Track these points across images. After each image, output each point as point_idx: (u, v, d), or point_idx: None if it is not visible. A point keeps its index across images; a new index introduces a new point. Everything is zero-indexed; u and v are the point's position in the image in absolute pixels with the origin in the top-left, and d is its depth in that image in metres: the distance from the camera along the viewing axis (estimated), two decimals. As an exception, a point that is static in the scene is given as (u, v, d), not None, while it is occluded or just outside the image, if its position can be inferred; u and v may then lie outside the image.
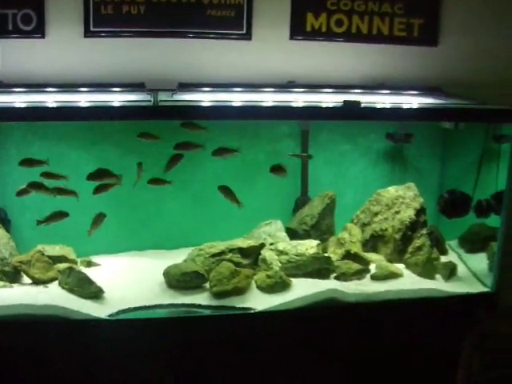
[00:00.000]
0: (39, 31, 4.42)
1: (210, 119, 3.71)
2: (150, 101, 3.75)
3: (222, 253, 4.11)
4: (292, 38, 4.70)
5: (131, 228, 4.49)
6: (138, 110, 3.62)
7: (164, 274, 4.04)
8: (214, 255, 4.10)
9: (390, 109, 3.89)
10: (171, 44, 4.47)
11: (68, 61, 4.43)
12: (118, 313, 3.79)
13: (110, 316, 3.74)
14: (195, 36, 4.54)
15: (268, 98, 4.11)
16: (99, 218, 3.98)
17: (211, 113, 3.69)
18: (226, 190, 3.99)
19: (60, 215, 3.92)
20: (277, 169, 4.00)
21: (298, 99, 4.22)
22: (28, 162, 3.89)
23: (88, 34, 4.45)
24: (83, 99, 3.83)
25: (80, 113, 3.61)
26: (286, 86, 4.48)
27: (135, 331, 3.79)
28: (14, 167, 4.03)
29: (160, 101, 3.72)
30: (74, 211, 3.97)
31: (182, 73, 4.41)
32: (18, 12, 4.40)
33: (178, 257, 4.29)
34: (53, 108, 3.63)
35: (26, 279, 4.06)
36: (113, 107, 3.63)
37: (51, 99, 3.84)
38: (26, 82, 4.31)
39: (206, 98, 3.98)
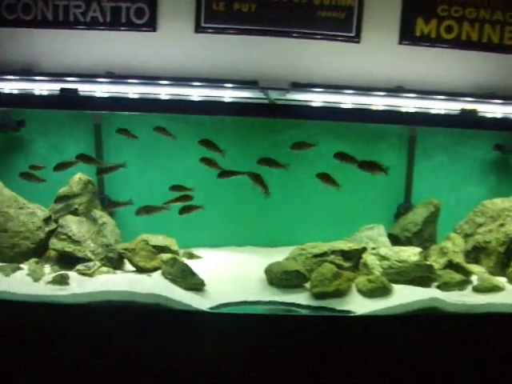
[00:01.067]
0: (151, 25, 4.51)
1: (325, 120, 3.70)
2: (265, 98, 3.74)
3: (324, 254, 4.08)
4: (401, 42, 4.64)
5: (232, 223, 4.50)
6: (256, 107, 3.61)
7: (266, 271, 4.03)
8: (315, 256, 4.07)
9: (508, 119, 3.80)
10: (281, 43, 4.47)
11: (178, 55, 4.49)
12: (219, 306, 3.78)
13: (210, 309, 3.74)
14: (303, 36, 4.54)
15: (379, 102, 4.06)
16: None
17: (327, 114, 3.67)
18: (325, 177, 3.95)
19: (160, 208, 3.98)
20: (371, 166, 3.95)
21: (409, 104, 4.16)
22: None
23: (199, 29, 4.50)
24: (196, 93, 3.86)
25: (196, 107, 3.61)
26: (395, 90, 4.42)
27: (234, 326, 3.78)
28: (121, 157, 4.11)
29: (275, 99, 3.71)
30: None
31: (291, 72, 4.38)
32: (132, 5, 4.48)
33: (277, 255, 4.28)
34: (166, 101, 3.65)
35: (128, 266, 4.11)
36: (230, 103, 3.63)
37: (164, 92, 3.89)
38: (137, 74, 4.37)
39: (318, 99, 3.95)
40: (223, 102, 3.59)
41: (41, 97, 3.61)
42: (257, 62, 4.42)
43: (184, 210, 3.98)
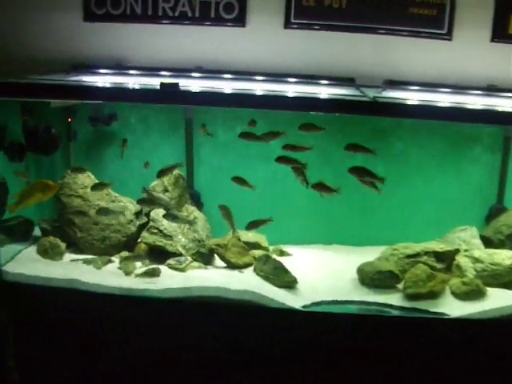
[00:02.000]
0: (240, 20, 4.45)
1: (425, 118, 3.60)
2: (364, 96, 3.68)
3: (417, 255, 4.00)
4: (493, 40, 4.52)
5: (319, 221, 4.44)
6: (357, 104, 3.54)
7: (358, 270, 3.97)
8: (408, 256, 3.99)
9: None
10: (372, 40, 4.38)
11: (267, 51, 4.43)
12: (312, 305, 3.73)
13: (303, 307, 3.69)
14: (394, 33, 4.43)
15: (474, 101, 3.98)
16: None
17: (426, 112, 3.56)
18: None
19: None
20: None
21: (502, 103, 4.05)
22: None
23: (288, 25, 4.44)
24: (291, 89, 3.82)
25: (294, 103, 3.55)
26: (488, 88, 4.31)
27: (327, 324, 3.73)
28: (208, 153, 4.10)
29: (374, 97, 3.64)
30: (266, 200, 4.09)
31: (384, 70, 4.31)
32: (221, 0, 4.45)
33: (365, 254, 4.21)
34: (262, 96, 3.60)
35: (219, 262, 4.09)
36: (329, 99, 3.56)
37: (257, 87, 3.86)
38: (225, 69, 4.35)
39: (414, 97, 3.87)
40: (327, 99, 3.51)
41: (140, 91, 3.58)
42: (349, 58, 4.35)
43: (252, 225, 3.93)
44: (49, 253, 3.99)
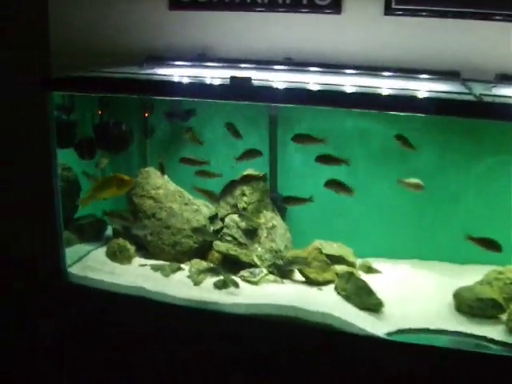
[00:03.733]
0: (335, 7, 3.98)
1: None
2: (470, 93, 3.14)
3: (526, 281, 3.42)
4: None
5: (418, 233, 3.94)
6: (455, 104, 3.00)
7: (454, 295, 3.45)
8: None
9: None
10: (484, 27, 3.77)
11: (366, 41, 3.95)
12: (397, 332, 3.28)
13: (387, 335, 3.24)
14: (506, 19, 3.80)
15: None
16: None
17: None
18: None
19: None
20: None
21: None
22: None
23: (389, 11, 3.92)
24: (387, 85, 3.35)
25: (385, 102, 3.07)
26: None
27: (413, 357, 3.25)
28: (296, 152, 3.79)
29: (481, 95, 3.09)
30: (359, 207, 3.73)
31: (496, 62, 3.71)
32: (316, -14, 4.00)
33: (467, 274, 3.69)
34: (351, 94, 3.15)
35: (297, 276, 3.71)
36: (421, 99, 3.05)
37: (351, 82, 3.42)
38: (317, 61, 3.93)
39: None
40: (419, 98, 3.00)
41: (209, 86, 3.23)
42: (457, 49, 3.78)
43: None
44: (117, 256, 3.78)
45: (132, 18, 4.29)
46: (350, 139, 3.88)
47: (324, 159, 3.48)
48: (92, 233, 4.02)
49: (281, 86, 3.22)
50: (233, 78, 3.09)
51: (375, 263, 3.88)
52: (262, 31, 4.12)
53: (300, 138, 3.50)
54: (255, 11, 4.14)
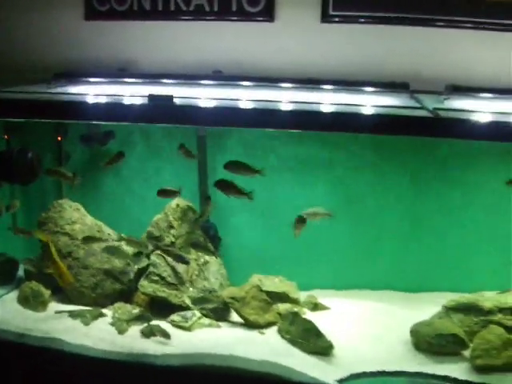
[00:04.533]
0: (267, 14, 3.62)
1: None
2: (420, 107, 2.79)
3: (488, 312, 3.09)
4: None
5: (366, 259, 3.60)
6: (410, 121, 2.63)
7: (412, 331, 3.11)
8: (477, 313, 3.08)
9: None
10: (431, 34, 3.47)
11: (302, 50, 3.60)
12: (350, 377, 2.91)
13: (339, 381, 2.86)
14: (460, 26, 3.48)
15: None
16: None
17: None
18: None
19: None
20: None
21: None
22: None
23: (326, 18, 3.57)
24: (328, 100, 2.97)
25: (328, 121, 2.69)
26: None
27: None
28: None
29: (434, 109, 2.74)
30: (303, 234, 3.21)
31: (446, 72, 3.40)
32: (244, -11, 3.62)
33: (423, 305, 3.40)
34: (289, 112, 2.74)
35: (235, 317, 3.28)
36: (371, 116, 2.68)
37: (286, 98, 3.04)
38: (249, 74, 3.54)
39: (482, 108, 2.94)
40: (369, 115, 2.62)
41: (122, 107, 2.78)
42: (402, 58, 3.46)
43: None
44: (30, 302, 3.33)
45: (44, 29, 3.86)
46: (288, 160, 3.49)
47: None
48: (2, 274, 3.50)
49: (207, 104, 2.79)
50: (152, 97, 2.65)
51: (322, 297, 3.51)
52: (188, 42, 3.75)
53: (233, 166, 3.07)
54: (180, 20, 3.75)
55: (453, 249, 3.53)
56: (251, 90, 3.34)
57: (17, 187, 3.60)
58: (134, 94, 2.98)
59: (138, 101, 2.77)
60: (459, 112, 2.74)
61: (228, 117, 2.71)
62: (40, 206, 3.57)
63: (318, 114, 2.72)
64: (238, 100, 2.93)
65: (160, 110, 2.67)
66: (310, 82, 3.32)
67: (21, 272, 3.65)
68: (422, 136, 2.67)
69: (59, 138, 3.61)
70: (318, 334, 3.03)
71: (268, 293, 3.28)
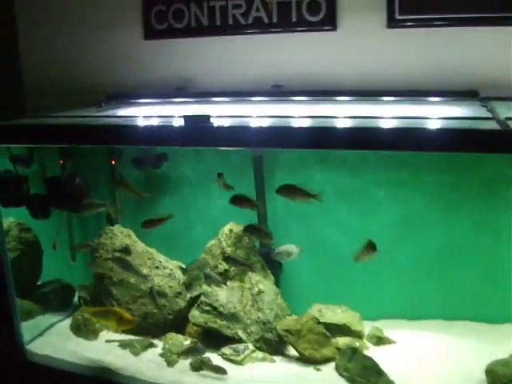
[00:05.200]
0: (330, 22, 3.38)
1: None
2: (490, 118, 2.45)
3: None
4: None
5: (441, 287, 3.23)
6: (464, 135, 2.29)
7: (487, 371, 2.73)
8: None
9: None
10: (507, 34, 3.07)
11: (367, 59, 3.33)
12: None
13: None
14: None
15: None
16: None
17: None
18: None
19: None
20: None
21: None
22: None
23: (393, 23, 3.28)
24: (389, 113, 2.69)
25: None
26: None
27: None
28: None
29: (507, 118, 2.40)
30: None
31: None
32: (303, -1, 3.38)
33: (503, 338, 3.00)
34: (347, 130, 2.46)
35: (292, 351, 3.03)
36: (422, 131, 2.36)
37: (346, 113, 2.77)
38: (311, 87, 3.32)
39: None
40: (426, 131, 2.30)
41: (161, 129, 2.62)
42: (474, 62, 3.09)
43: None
44: (82, 330, 3.23)
45: (105, 51, 3.81)
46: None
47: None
48: (56, 301, 3.46)
49: (247, 124, 2.57)
50: (187, 118, 2.47)
51: (389, 328, 3.19)
52: (248, 56, 3.59)
53: (287, 191, 2.84)
54: (239, 34, 3.57)
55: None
56: (311, 105, 3.11)
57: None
58: (181, 114, 2.82)
59: (175, 123, 2.60)
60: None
61: (271, 137, 2.48)
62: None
63: (372, 131, 2.43)
64: (287, 117, 2.71)
65: (195, 132, 2.49)
66: (374, 93, 3.04)
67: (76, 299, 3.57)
68: (489, 152, 2.32)
69: (113, 162, 3.51)
70: (379, 372, 2.74)
71: (327, 325, 3.01)
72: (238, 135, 2.47)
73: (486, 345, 3.00)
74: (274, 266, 3.30)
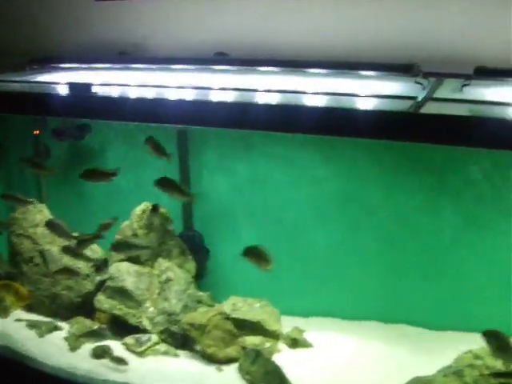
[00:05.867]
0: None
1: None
2: (415, 98, 2.09)
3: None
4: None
5: (383, 286, 2.89)
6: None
7: (408, 389, 2.39)
8: (497, 374, 2.31)
9: None
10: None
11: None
12: None
13: None
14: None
15: None
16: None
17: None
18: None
19: None
20: None
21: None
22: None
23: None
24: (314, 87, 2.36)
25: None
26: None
27: None
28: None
29: (434, 98, 2.04)
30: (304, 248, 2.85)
31: (479, 51, 2.61)
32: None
33: (439, 346, 2.67)
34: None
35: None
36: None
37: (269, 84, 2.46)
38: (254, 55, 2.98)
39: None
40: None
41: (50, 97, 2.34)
42: (420, 32, 2.71)
43: None
44: (-8, 306, 3.00)
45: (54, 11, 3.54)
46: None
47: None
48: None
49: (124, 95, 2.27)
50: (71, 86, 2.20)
51: (318, 328, 2.87)
52: (195, 20, 3.22)
53: (162, 184, 2.57)
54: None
55: (490, 279, 2.74)
56: (231, 75, 2.78)
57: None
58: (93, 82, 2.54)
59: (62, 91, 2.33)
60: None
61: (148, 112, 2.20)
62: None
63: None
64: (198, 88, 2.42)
65: (76, 102, 2.22)
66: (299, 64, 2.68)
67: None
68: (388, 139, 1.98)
69: (36, 132, 3.27)
70: (281, 379, 2.44)
71: (238, 321, 2.70)
72: (115, 108, 2.19)
73: (417, 353, 2.66)
74: (199, 251, 3.01)
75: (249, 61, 2.83)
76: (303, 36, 2.95)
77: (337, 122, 1.98)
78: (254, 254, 2.42)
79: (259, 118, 2.12)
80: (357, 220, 2.85)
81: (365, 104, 2.12)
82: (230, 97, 2.32)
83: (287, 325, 2.85)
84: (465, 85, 2.32)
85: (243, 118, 2.15)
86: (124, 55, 3.34)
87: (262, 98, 2.28)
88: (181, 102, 2.24)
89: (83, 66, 3.10)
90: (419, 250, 2.80)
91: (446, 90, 2.34)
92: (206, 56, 3.08)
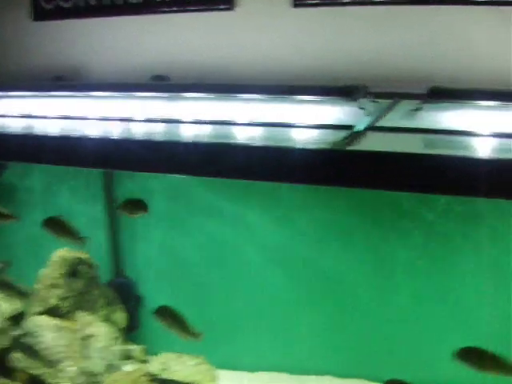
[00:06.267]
0: (227, 1, 2.73)
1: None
2: (351, 127, 1.76)
3: None
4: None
5: (337, 338, 2.60)
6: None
7: None
8: None
9: None
10: (401, 17, 2.40)
11: (269, 45, 2.64)
12: None
13: None
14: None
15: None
16: None
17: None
18: None
19: None
20: None
21: None
22: None
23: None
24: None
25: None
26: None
27: None
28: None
29: (376, 128, 1.72)
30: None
31: (433, 70, 2.30)
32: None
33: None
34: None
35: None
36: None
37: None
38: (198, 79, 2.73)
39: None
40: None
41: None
42: (378, 52, 2.40)
43: None
44: None
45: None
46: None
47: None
48: None
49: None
50: None
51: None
52: (133, 41, 2.91)
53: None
54: (127, 14, 3.01)
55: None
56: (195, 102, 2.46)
57: None
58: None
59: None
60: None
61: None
62: None
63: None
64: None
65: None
66: (238, 89, 2.35)
67: None
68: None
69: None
70: None
71: (167, 382, 2.36)
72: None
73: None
74: (130, 300, 2.66)
75: (178, 86, 2.53)
76: (244, 58, 2.67)
77: (249, 164, 1.63)
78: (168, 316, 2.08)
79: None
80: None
81: (287, 137, 1.78)
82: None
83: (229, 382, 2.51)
84: (417, 109, 1.99)
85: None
86: (58, 80, 3.05)
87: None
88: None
89: (10, 93, 2.81)
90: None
91: (395, 115, 2.01)
92: (140, 80, 2.81)
